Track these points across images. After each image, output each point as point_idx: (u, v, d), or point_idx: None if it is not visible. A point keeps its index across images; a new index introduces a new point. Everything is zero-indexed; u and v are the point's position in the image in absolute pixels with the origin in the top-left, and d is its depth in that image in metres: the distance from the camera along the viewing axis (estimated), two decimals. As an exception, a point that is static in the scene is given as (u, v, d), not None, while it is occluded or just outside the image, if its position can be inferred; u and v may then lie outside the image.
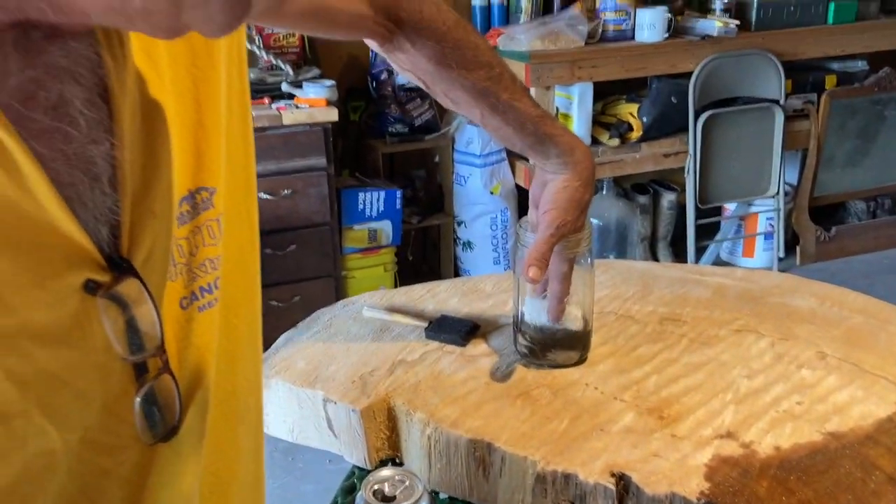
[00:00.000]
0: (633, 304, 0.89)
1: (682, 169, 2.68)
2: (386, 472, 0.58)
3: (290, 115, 2.15)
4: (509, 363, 0.78)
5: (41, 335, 0.33)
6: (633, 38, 2.52)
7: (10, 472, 0.32)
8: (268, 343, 0.71)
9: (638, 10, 2.50)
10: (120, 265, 0.36)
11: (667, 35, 2.51)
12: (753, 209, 2.89)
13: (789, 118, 2.75)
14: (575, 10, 2.50)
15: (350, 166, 2.63)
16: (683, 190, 2.76)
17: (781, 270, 2.86)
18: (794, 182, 2.94)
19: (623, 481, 0.61)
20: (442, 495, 0.70)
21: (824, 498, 0.58)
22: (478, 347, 0.81)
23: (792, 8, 2.65)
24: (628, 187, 2.93)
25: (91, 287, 0.34)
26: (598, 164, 2.59)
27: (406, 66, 0.70)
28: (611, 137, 2.62)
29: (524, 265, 0.70)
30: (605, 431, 0.67)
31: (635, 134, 2.63)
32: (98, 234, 0.35)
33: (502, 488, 0.66)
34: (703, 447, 0.64)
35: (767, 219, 2.87)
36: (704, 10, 2.68)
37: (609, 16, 2.51)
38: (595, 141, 2.63)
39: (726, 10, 2.60)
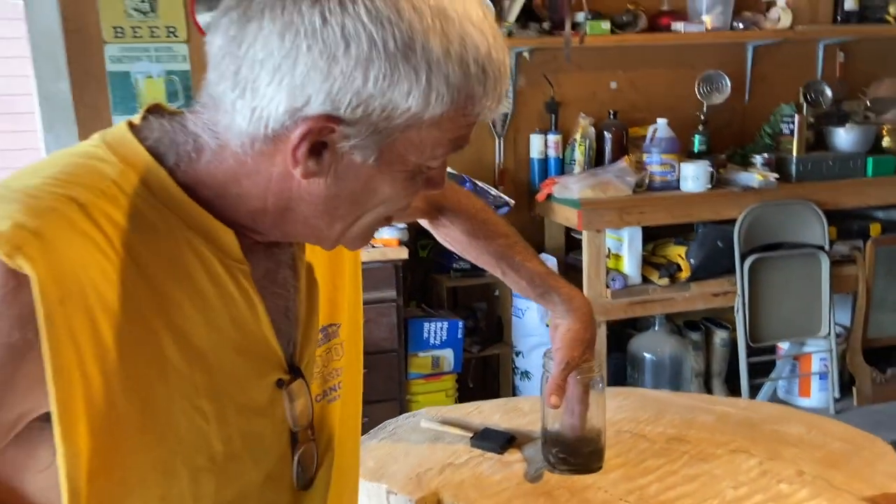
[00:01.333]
0: (646, 426, 1.06)
1: (733, 308, 2.81)
2: (432, 540, 0.76)
3: (367, 254, 2.45)
4: (538, 468, 0.96)
5: (255, 409, 0.57)
6: (678, 188, 2.76)
7: (231, 493, 0.56)
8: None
9: (682, 164, 2.76)
10: (296, 370, 0.61)
11: (710, 186, 2.74)
12: (807, 349, 2.97)
13: (837, 262, 2.88)
14: (623, 163, 2.78)
15: (417, 298, 2.88)
16: (735, 328, 2.88)
17: (838, 411, 2.88)
18: (847, 324, 3.02)
19: (619, 562, 0.77)
20: (478, 574, 0.86)
21: (779, 582, 0.72)
22: (513, 455, 0.99)
23: (830, 162, 2.86)
24: (681, 324, 3.07)
25: (280, 383, 0.59)
26: (649, 301, 2.77)
27: (447, 238, 0.97)
28: (661, 277, 2.80)
29: (545, 395, 0.90)
30: (608, 524, 0.83)
31: (684, 274, 2.81)
32: (287, 350, 0.60)
33: (525, 567, 0.83)
34: (687, 540, 0.80)
35: (821, 359, 2.93)
36: (746, 164, 2.91)
37: (655, 168, 2.77)
38: (646, 279, 2.82)
39: (766, 164, 2.83)
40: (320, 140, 0.51)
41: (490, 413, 1.12)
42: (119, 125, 0.55)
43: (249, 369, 0.57)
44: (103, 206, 0.50)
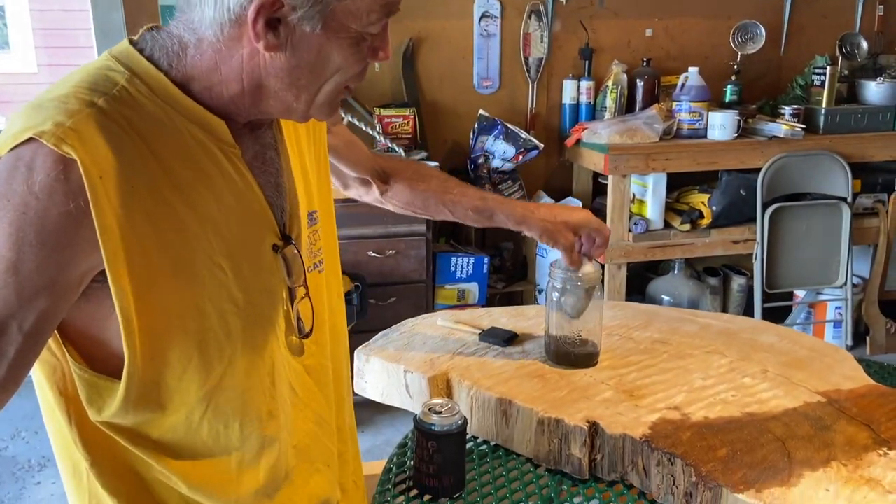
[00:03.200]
0: (634, 331, 1.19)
1: (752, 255, 2.90)
2: (437, 399, 0.92)
3: (400, 188, 2.59)
4: (543, 360, 1.10)
5: (262, 267, 0.72)
6: (705, 136, 2.83)
7: (255, 332, 0.72)
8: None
9: (710, 113, 2.82)
10: (288, 238, 0.75)
11: (736, 135, 2.80)
12: (823, 297, 3.05)
13: (858, 215, 2.93)
14: (653, 110, 2.84)
15: (446, 235, 3.03)
16: (752, 276, 2.97)
17: (850, 359, 2.97)
18: (865, 275, 3.08)
19: (593, 426, 0.92)
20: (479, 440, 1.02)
21: (726, 443, 0.86)
22: (515, 348, 1.14)
23: (859, 115, 2.88)
24: (700, 269, 3.16)
25: (275, 248, 0.74)
26: (669, 245, 2.87)
27: (396, 200, 1.08)
28: (682, 223, 2.89)
29: (548, 294, 1.04)
30: (589, 399, 0.98)
31: (705, 221, 2.89)
32: (279, 220, 0.74)
33: (517, 431, 0.98)
34: (654, 413, 0.94)
35: (836, 308, 3.01)
36: (775, 115, 2.95)
37: (684, 116, 2.83)
38: (667, 225, 2.91)
39: (795, 115, 2.87)
40: (274, 16, 0.62)
41: (498, 316, 1.27)
42: (121, 42, 0.69)
43: (253, 235, 0.71)
44: (118, 106, 0.63)
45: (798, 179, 2.87)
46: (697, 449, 0.85)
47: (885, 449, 0.84)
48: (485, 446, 1.01)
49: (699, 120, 2.83)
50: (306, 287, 0.78)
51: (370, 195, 1.08)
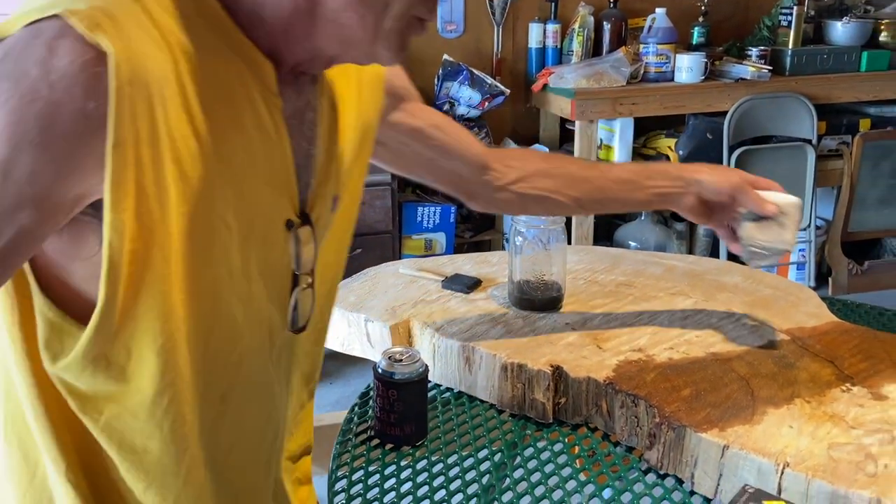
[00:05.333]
0: (600, 274, 1.17)
1: (717, 200, 2.90)
2: (398, 347, 0.89)
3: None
4: (507, 306, 1.08)
5: (272, 240, 0.59)
6: (672, 79, 2.79)
7: (244, 313, 0.59)
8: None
9: (677, 55, 2.78)
10: (306, 217, 0.62)
11: (703, 77, 2.77)
12: (787, 241, 3.08)
13: (823, 157, 2.94)
14: (620, 53, 2.79)
15: (412, 183, 2.98)
16: (718, 219, 2.98)
17: (812, 300, 3.02)
18: (829, 217, 3.11)
19: (557, 370, 0.90)
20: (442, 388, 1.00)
21: (689, 383, 0.85)
22: (478, 295, 1.12)
23: (825, 55, 2.87)
24: (667, 215, 3.17)
25: (290, 224, 0.60)
26: (636, 191, 2.86)
27: (535, 188, 0.92)
28: (650, 168, 2.88)
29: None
30: (553, 344, 0.96)
31: (673, 166, 2.89)
32: (303, 195, 0.61)
33: (480, 377, 0.96)
34: (618, 355, 0.92)
35: (800, 250, 3.05)
36: (742, 56, 2.92)
37: (651, 59, 2.79)
38: (635, 171, 2.89)
39: (762, 57, 2.84)
40: None
41: (461, 263, 1.24)
42: None
43: (273, 202, 0.59)
44: (165, 15, 0.51)
45: (764, 122, 2.87)
46: (661, 390, 0.84)
47: (848, 385, 0.84)
48: (448, 393, 0.99)
49: (666, 63, 2.79)
50: (312, 277, 0.66)
51: (485, 191, 0.89)
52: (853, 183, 3.01)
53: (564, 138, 3.05)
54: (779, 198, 0.86)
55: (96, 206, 0.51)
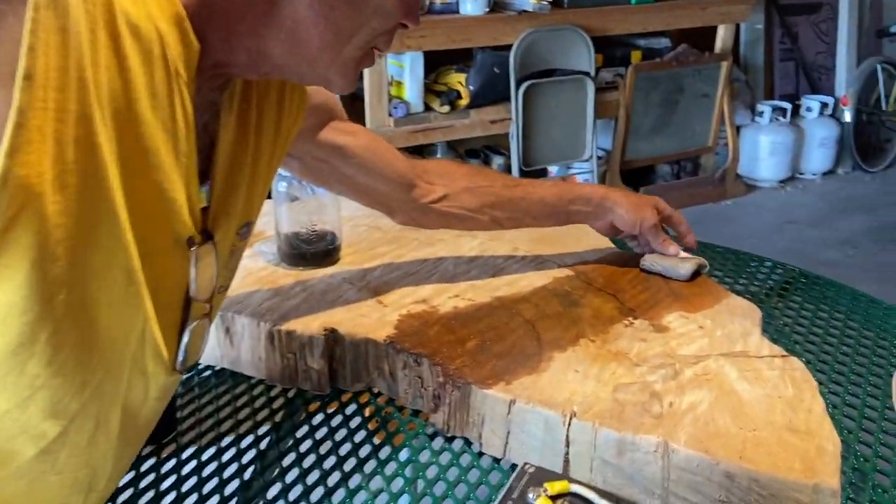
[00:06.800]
0: (382, 219, 1.06)
1: (507, 135, 2.93)
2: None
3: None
4: (275, 263, 0.94)
5: (171, 258, 0.51)
6: (457, 11, 2.73)
7: (124, 328, 0.49)
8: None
9: (461, -14, 2.71)
10: (209, 235, 0.54)
11: (487, 9, 2.74)
12: (572, 171, 3.21)
13: (601, 89, 3.07)
14: (403, -17, 2.67)
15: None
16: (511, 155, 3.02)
17: (597, 226, 3.20)
18: (608, 147, 3.28)
19: (332, 334, 0.79)
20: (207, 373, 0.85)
21: (475, 333, 0.78)
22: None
23: (600, -12, 2.95)
24: (462, 152, 3.16)
25: (190, 242, 0.52)
26: (431, 129, 2.80)
27: (459, 206, 0.89)
28: (441, 104, 2.82)
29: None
30: (328, 304, 0.84)
31: (464, 101, 2.85)
32: (194, 215, 0.52)
33: (244, 350, 0.82)
34: (400, 309, 0.83)
35: (584, 180, 3.19)
36: (523, -12, 2.93)
37: (436, -10, 2.70)
38: (428, 108, 2.83)
39: (542, -10, 2.87)
40: None
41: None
42: None
43: (167, 232, 0.50)
44: None
45: (547, 55, 2.91)
46: (445, 344, 0.76)
47: (630, 318, 0.82)
48: (208, 372, 0.85)
49: (451, -6, 2.72)
50: (210, 307, 0.57)
51: (407, 208, 0.86)
52: (628, 114, 3.19)
53: (353, 75, 2.90)
54: (684, 264, 0.92)
55: None
